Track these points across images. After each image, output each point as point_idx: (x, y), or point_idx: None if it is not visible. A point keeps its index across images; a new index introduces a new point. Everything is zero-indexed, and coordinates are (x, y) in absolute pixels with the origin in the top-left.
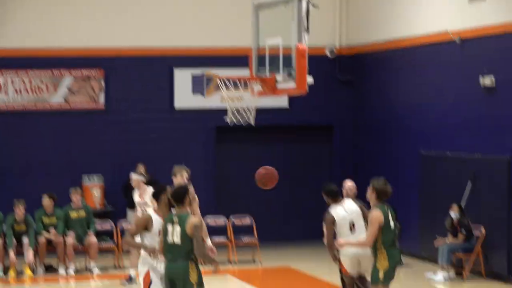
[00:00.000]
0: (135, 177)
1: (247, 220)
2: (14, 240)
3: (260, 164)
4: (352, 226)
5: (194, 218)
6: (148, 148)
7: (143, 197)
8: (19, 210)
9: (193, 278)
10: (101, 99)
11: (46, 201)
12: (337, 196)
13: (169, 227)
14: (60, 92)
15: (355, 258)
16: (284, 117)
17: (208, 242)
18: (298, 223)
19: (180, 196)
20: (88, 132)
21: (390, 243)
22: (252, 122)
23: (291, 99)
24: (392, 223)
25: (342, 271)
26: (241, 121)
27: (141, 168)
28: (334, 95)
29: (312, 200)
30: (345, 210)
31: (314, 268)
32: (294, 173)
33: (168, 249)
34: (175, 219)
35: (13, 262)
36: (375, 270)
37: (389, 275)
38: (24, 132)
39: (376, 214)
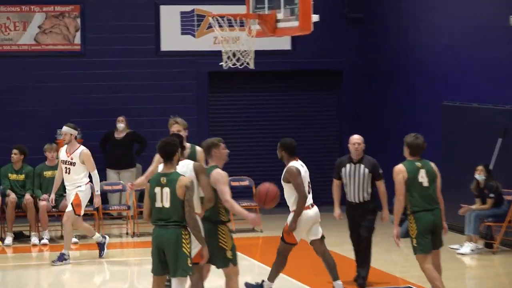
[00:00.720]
0: (66, 130)
1: (245, 182)
2: None
3: (259, 115)
4: (308, 185)
5: (185, 178)
6: (131, 97)
7: (71, 154)
8: None
9: (187, 248)
10: (77, 39)
11: (15, 156)
12: (294, 153)
13: (157, 190)
14: (30, 32)
15: (309, 226)
16: (286, 61)
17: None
18: None
19: (169, 152)
20: (62, 78)
21: (420, 206)
22: (251, 66)
23: (294, 41)
24: (424, 183)
25: (285, 239)
26: (238, 65)
27: (121, 120)
28: (343, 36)
29: (319, 157)
30: (303, 167)
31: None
32: (297, 126)
33: (157, 215)
34: (163, 179)
35: None
36: (410, 238)
37: (422, 242)
38: None
39: (396, 167)
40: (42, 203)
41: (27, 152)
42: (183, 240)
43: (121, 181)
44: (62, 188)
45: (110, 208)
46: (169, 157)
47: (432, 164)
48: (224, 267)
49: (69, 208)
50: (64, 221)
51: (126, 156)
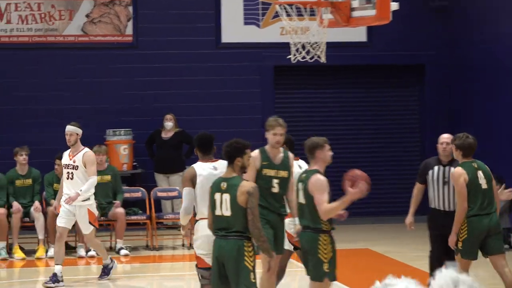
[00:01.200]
0: (73, 130)
1: None
2: (19, 206)
3: (331, 114)
4: None
5: (248, 183)
6: (187, 94)
7: (74, 157)
8: (22, 159)
9: (249, 261)
10: (129, 30)
11: (59, 166)
12: (293, 149)
13: (217, 196)
14: (76, 21)
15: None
16: (361, 54)
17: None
18: (380, 193)
19: (228, 154)
20: (112, 72)
21: (477, 210)
22: (322, 60)
23: (371, 32)
24: (482, 185)
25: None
26: (308, 59)
27: (169, 118)
28: (426, 26)
29: (398, 161)
30: (300, 168)
31: (399, 251)
32: (374, 127)
33: (217, 224)
34: (223, 185)
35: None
36: (456, 238)
37: (468, 248)
38: (31, 71)
39: (456, 171)
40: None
41: None
42: (245, 253)
43: (177, 187)
44: (112, 192)
45: (164, 217)
46: (230, 160)
47: (486, 165)
48: (318, 280)
49: (90, 229)
50: (88, 242)
51: (175, 158)
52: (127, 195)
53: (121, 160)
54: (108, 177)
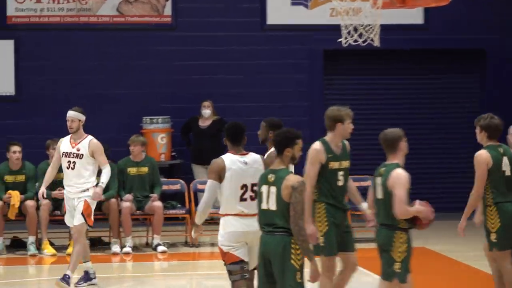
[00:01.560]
0: (75, 116)
1: (367, 182)
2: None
3: (385, 102)
4: None
5: (294, 177)
6: (229, 79)
7: (78, 144)
8: (54, 151)
9: (296, 260)
10: (168, 10)
11: None
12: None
13: (263, 188)
14: (111, 1)
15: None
16: (418, 37)
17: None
18: (438, 187)
19: (277, 144)
20: (149, 55)
21: (504, 196)
22: (376, 43)
23: (428, 13)
24: (506, 171)
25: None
26: (360, 42)
27: (207, 105)
28: (488, 7)
29: (458, 153)
30: None
31: (459, 250)
32: (430, 115)
33: (263, 219)
34: (271, 177)
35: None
36: (487, 233)
37: (504, 236)
38: (62, 54)
39: (480, 154)
40: (125, 205)
41: (106, 146)
42: (292, 251)
43: None
44: (149, 185)
45: None
46: (279, 151)
47: None
48: (386, 280)
49: (80, 221)
50: (76, 238)
51: (214, 149)
52: (165, 187)
53: (159, 150)
54: (145, 169)
